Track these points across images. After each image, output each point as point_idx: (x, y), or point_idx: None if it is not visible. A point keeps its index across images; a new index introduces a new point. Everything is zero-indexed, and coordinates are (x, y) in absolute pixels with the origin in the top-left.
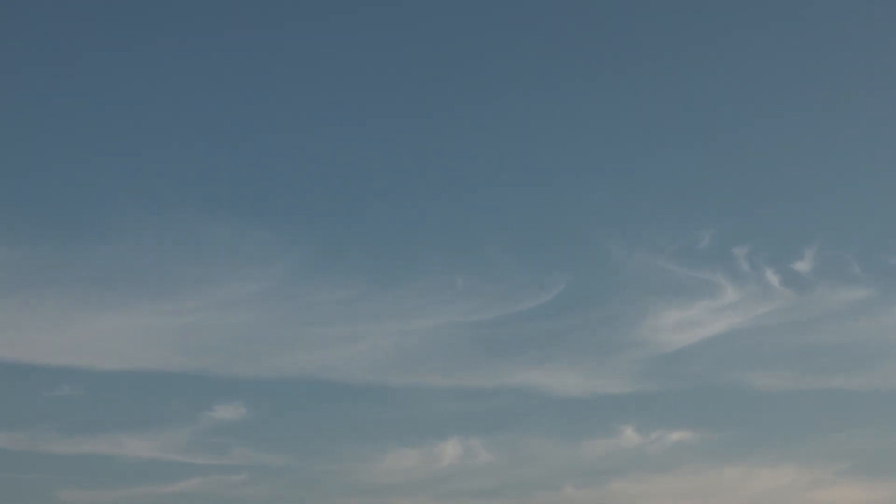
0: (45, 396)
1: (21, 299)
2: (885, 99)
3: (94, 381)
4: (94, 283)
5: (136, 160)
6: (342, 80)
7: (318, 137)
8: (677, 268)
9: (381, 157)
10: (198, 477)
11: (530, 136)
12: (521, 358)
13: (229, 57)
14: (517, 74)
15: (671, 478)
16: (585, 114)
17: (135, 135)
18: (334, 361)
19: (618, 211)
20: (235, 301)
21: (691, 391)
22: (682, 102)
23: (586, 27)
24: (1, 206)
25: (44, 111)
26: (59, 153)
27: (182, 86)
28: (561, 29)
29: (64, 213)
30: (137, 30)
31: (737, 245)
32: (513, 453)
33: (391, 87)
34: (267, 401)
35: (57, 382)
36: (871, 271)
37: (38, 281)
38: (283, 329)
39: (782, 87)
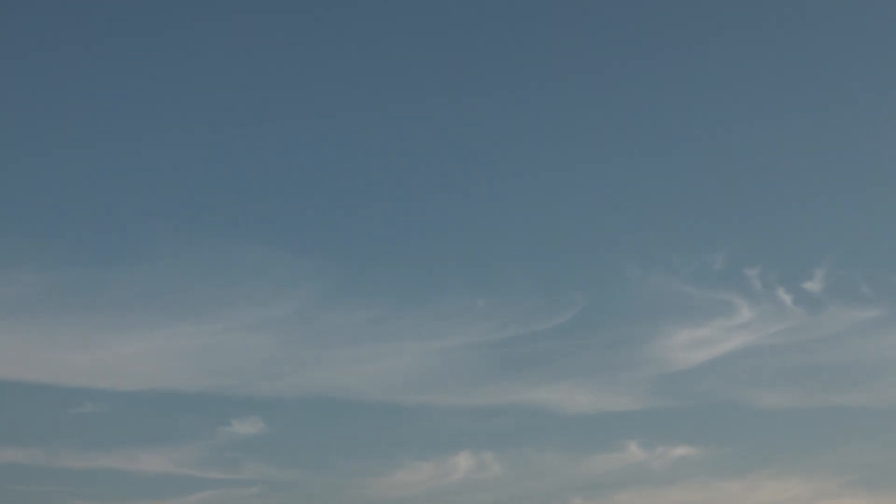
0: (67, 414)
1: (49, 322)
2: None
3: (115, 401)
4: (122, 306)
5: (164, 185)
6: (368, 106)
7: (342, 163)
8: (693, 289)
9: (405, 182)
10: (210, 490)
11: (549, 162)
12: (533, 376)
13: (254, 80)
14: (536, 95)
15: (675, 491)
16: (603, 139)
17: (162, 159)
18: (351, 381)
19: (634, 234)
20: (259, 323)
21: (697, 408)
22: (697, 130)
23: (606, 44)
24: (30, 230)
25: (71, 134)
26: (86, 177)
27: (210, 110)
28: (581, 46)
29: (92, 238)
30: (163, 52)
31: (749, 266)
32: (523, 467)
33: (415, 115)
34: (282, 418)
35: (80, 402)
36: (880, 291)
37: (66, 304)
38: (303, 350)
39: (790, 111)
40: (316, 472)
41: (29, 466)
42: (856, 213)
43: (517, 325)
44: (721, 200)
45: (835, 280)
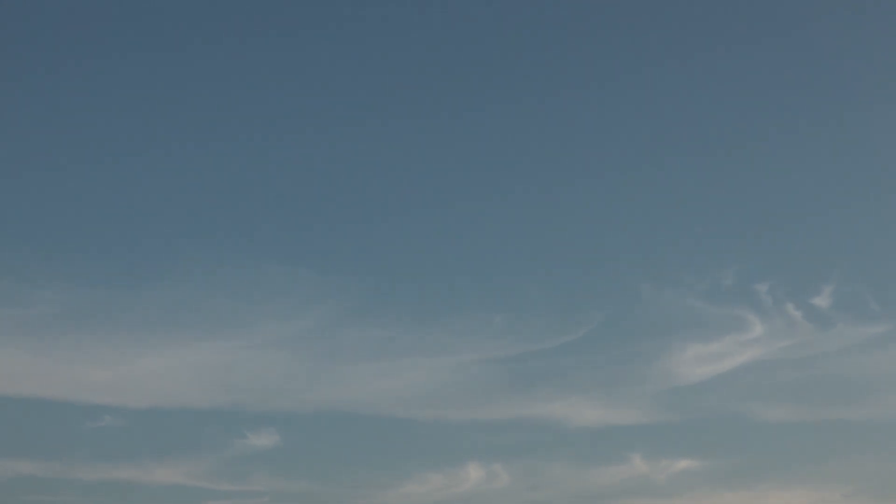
0: (84, 428)
1: (71, 340)
2: None
3: (134, 416)
4: (143, 323)
5: (184, 203)
6: (386, 128)
7: (361, 182)
8: (705, 305)
9: (423, 201)
10: (219, 501)
11: (563, 180)
12: (543, 391)
13: (275, 102)
14: (551, 115)
15: (678, 501)
16: (615, 157)
17: (182, 177)
18: (366, 396)
19: (648, 252)
20: (277, 340)
21: (702, 422)
22: (708, 149)
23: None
24: (52, 249)
25: (91, 153)
26: (107, 196)
27: (232, 130)
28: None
29: (113, 257)
30: (185, 72)
31: (759, 282)
32: (530, 478)
33: (433, 135)
34: (297, 432)
35: (99, 417)
36: (887, 306)
37: (88, 322)
38: (321, 366)
39: (799, 129)
40: (325, 484)
41: (45, 479)
42: (863, 228)
43: (531, 341)
44: (732, 218)
45: (843, 296)
